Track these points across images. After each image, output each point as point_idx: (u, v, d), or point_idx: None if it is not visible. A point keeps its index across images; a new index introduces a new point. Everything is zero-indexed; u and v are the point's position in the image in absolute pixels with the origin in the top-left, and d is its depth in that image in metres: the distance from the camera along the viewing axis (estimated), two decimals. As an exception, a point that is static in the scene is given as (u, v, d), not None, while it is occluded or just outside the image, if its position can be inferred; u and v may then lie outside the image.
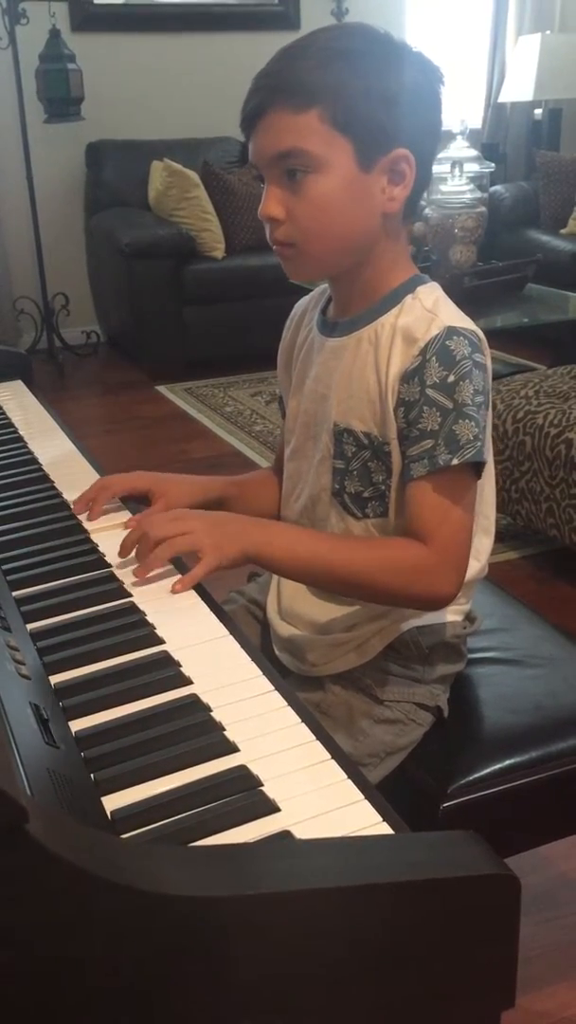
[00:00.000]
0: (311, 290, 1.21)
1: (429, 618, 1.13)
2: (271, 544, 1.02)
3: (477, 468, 1.02)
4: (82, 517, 1.16)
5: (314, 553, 1.03)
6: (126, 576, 1.02)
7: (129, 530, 1.06)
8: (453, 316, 1.03)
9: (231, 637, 0.92)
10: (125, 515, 1.16)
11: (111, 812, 0.69)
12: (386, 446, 1.05)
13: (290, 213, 1.01)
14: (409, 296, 1.06)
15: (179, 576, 1.00)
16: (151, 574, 1.00)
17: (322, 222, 1.01)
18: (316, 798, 0.72)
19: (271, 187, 1.02)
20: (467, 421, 0.99)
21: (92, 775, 0.73)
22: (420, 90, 1.00)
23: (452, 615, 1.16)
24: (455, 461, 0.99)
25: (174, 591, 0.98)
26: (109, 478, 1.21)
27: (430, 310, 1.03)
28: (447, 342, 1.00)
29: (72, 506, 1.19)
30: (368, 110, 0.97)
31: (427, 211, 3.29)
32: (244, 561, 1.02)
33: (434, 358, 1.00)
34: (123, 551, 1.04)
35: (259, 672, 0.87)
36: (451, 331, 1.01)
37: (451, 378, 0.99)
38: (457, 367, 0.99)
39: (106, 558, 1.06)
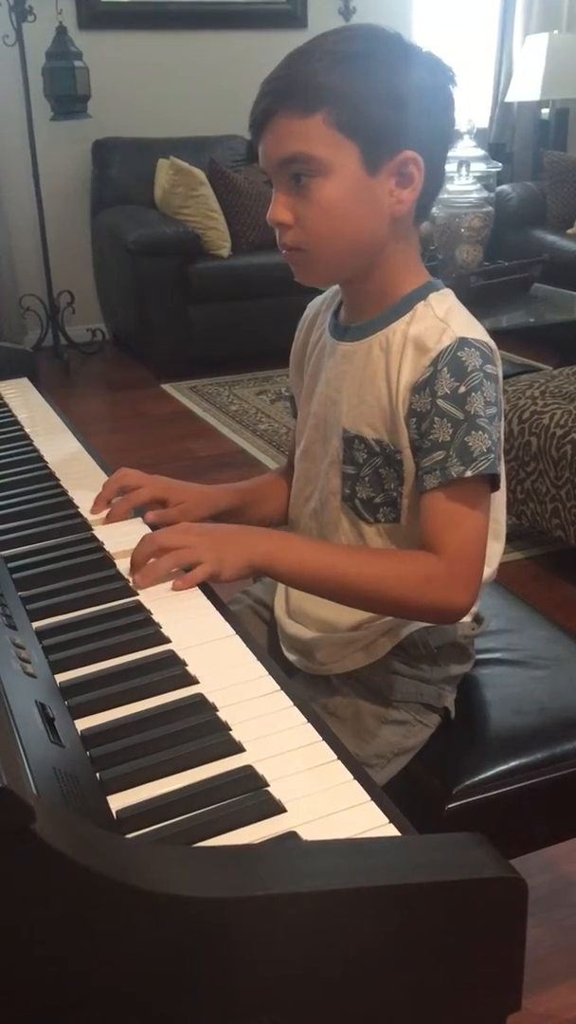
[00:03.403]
0: (317, 289, 1.21)
1: (438, 617, 1.13)
2: (278, 555, 1.01)
3: (492, 480, 1.01)
4: (87, 515, 1.16)
5: (322, 564, 1.02)
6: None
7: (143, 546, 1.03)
8: (465, 326, 1.02)
9: (237, 636, 0.92)
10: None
11: (117, 811, 0.69)
12: (398, 454, 1.04)
13: (298, 218, 1.00)
14: (421, 303, 1.04)
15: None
16: (152, 585, 0.99)
17: (329, 226, 1.00)
18: (322, 799, 0.71)
19: (279, 192, 1.01)
20: (480, 433, 0.98)
21: (98, 774, 0.73)
22: (429, 91, 0.99)
23: (461, 615, 1.16)
24: (468, 473, 0.98)
25: (174, 588, 0.98)
26: (128, 480, 1.18)
27: (442, 319, 1.02)
28: (458, 353, 0.99)
29: (91, 507, 1.17)
30: (373, 113, 0.96)
31: (433, 211, 3.28)
32: (250, 573, 1.01)
33: (445, 369, 0.99)
34: (134, 568, 1.01)
35: (265, 672, 0.87)
36: (463, 342, 1.00)
37: (462, 389, 0.98)
38: (468, 378, 0.99)
39: (112, 556, 1.05)
